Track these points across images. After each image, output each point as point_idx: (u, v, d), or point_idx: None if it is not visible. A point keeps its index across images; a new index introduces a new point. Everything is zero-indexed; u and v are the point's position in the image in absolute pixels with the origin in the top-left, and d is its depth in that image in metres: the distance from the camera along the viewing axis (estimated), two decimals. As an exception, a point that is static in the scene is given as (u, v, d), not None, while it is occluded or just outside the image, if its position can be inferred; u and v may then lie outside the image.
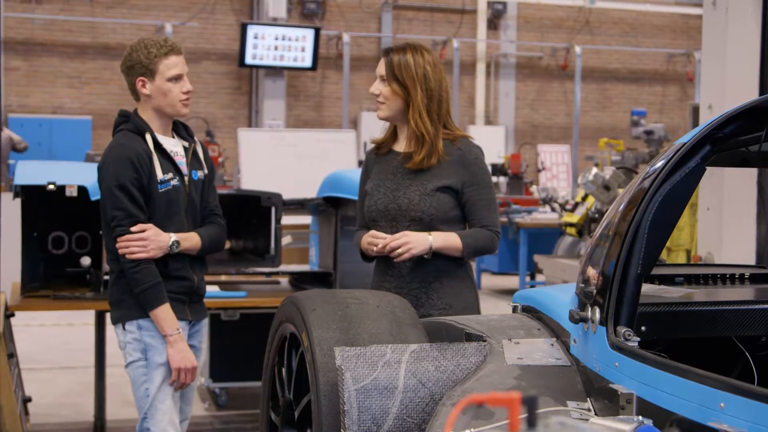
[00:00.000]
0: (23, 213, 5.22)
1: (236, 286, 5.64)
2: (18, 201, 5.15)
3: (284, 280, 5.81)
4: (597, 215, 8.54)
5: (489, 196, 3.56)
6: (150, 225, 3.55)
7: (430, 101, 3.49)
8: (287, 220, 5.26)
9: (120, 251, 3.54)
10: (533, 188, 13.54)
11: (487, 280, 13.15)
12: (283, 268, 5.48)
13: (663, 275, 3.10)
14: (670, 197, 2.45)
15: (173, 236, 3.61)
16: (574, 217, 9.06)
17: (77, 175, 5.11)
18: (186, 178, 3.68)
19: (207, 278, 5.74)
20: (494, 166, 13.98)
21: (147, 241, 3.53)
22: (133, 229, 3.53)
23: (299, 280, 5.62)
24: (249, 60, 14.48)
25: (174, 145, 3.70)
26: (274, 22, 14.58)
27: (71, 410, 6.35)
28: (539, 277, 11.53)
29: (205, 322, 3.93)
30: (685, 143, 2.47)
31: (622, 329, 2.38)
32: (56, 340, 8.56)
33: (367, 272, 5.72)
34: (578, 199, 9.25)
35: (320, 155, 11.30)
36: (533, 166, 15.62)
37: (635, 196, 2.49)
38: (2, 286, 4.85)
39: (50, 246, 5.34)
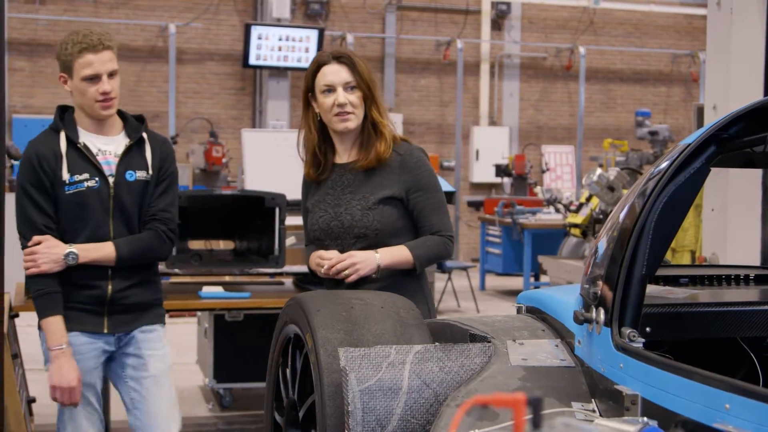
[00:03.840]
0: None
1: (240, 286, 5.64)
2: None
3: (288, 281, 5.82)
4: (601, 216, 8.53)
5: (437, 199, 3.40)
6: (46, 237, 3.36)
7: (383, 102, 3.46)
8: (291, 220, 5.26)
9: (24, 262, 3.40)
10: (537, 189, 13.53)
11: (491, 281, 13.15)
12: (287, 268, 5.48)
13: (668, 276, 3.10)
14: (675, 198, 2.44)
15: (70, 248, 3.37)
16: (579, 218, 9.06)
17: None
18: (111, 179, 3.44)
19: (211, 279, 5.78)
20: (498, 166, 13.96)
21: (37, 254, 3.34)
22: (30, 243, 3.37)
23: (303, 281, 5.62)
24: (253, 61, 14.49)
25: (106, 144, 3.49)
26: (278, 23, 14.59)
27: (75, 411, 6.35)
28: (543, 278, 11.53)
29: (153, 330, 3.62)
30: (690, 144, 2.46)
31: (626, 330, 2.37)
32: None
33: (371, 273, 5.73)
34: (582, 200, 9.25)
35: (324, 156, 11.29)
36: (537, 166, 15.60)
37: (640, 197, 2.49)
38: (6, 287, 4.83)
39: (54, 246, 5.34)
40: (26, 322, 6.59)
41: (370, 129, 3.38)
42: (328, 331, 2.63)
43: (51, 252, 3.34)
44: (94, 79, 3.38)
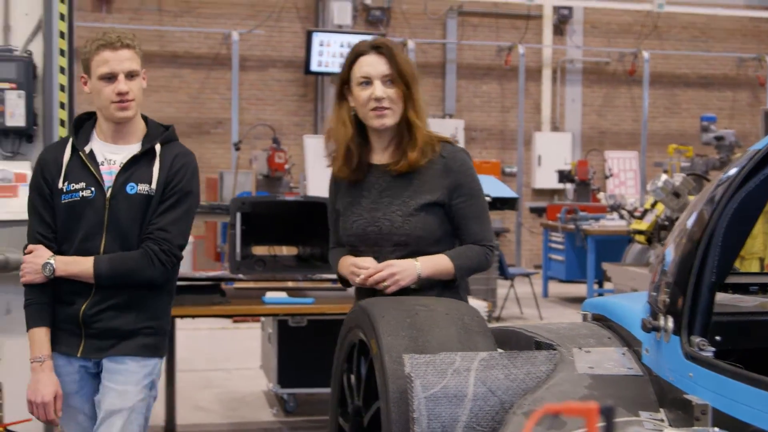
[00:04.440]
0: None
1: (303, 292, 5.67)
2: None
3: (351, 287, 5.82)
4: (666, 222, 8.43)
5: (480, 207, 3.20)
6: (37, 246, 3.19)
7: (422, 102, 3.19)
8: (354, 226, 5.26)
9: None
10: (601, 195, 13.40)
11: (554, 288, 13.05)
12: (349, 274, 5.47)
13: (737, 284, 3.05)
14: (745, 205, 2.40)
15: (49, 258, 3.17)
16: (643, 225, 8.95)
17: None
18: (108, 191, 3.18)
19: (274, 284, 5.81)
20: (561, 172, 13.87)
21: (24, 263, 3.19)
22: (25, 252, 3.24)
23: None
24: (314, 67, 14.57)
25: (114, 152, 3.24)
26: (339, 30, 14.65)
27: (141, 414, 6.43)
28: (607, 285, 11.41)
29: (121, 361, 3.22)
30: (760, 150, 2.42)
31: (696, 339, 2.34)
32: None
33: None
34: (647, 206, 9.14)
35: (386, 162, 11.32)
36: (600, 172, 15.45)
37: (708, 204, 2.45)
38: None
39: (121, 252, 5.42)
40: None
41: (404, 130, 3.15)
42: (393, 337, 2.63)
43: (33, 262, 3.17)
44: (111, 78, 3.14)
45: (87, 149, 3.23)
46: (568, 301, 12.36)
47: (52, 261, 3.15)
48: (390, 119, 3.13)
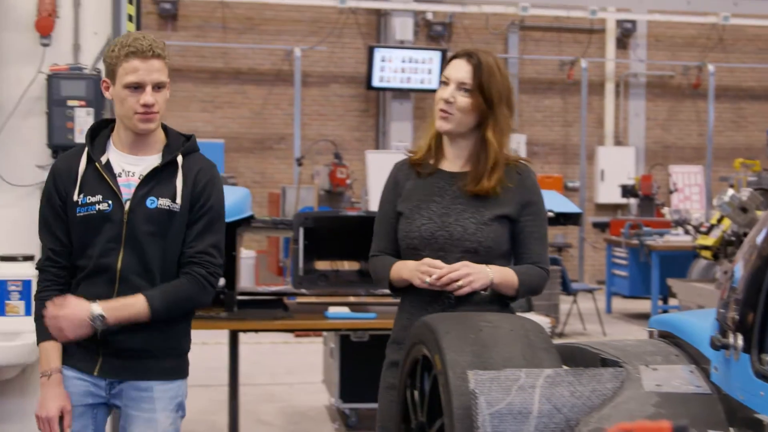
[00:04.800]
0: (161, 234, 5.36)
1: (366, 307, 5.68)
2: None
3: (413, 302, 5.81)
4: (733, 238, 8.29)
5: (544, 229, 3.17)
6: (67, 301, 2.96)
7: (510, 120, 3.11)
8: (416, 241, 5.26)
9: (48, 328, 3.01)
10: (665, 210, 13.23)
11: (618, 304, 12.90)
12: (412, 289, 5.47)
13: (808, 301, 2.98)
14: (818, 220, 2.36)
15: (95, 308, 2.96)
16: (709, 240, 8.82)
17: (212, 197, 5.22)
18: (127, 204, 3.02)
19: (337, 299, 5.83)
20: (624, 187, 13.73)
21: (61, 320, 2.95)
22: (48, 305, 2.97)
23: (428, 302, 5.60)
24: (376, 83, 14.62)
25: (133, 164, 3.08)
26: (401, 45, 14.69)
27: (206, 427, 6.49)
28: (672, 301, 11.25)
29: (148, 388, 3.09)
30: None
31: (767, 357, 2.30)
32: (191, 358, 8.76)
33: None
34: (713, 221, 9.01)
35: (447, 177, 11.31)
36: (665, 187, 15.27)
37: (780, 219, 2.41)
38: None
39: (186, 266, 5.47)
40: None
41: (480, 147, 3.09)
42: (457, 353, 2.62)
43: (75, 317, 2.94)
44: (138, 88, 2.97)
45: (103, 160, 3.06)
46: (631, 318, 12.21)
47: (99, 311, 2.95)
48: (447, 125, 3.08)
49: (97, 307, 2.95)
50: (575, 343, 2.98)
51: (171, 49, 14.71)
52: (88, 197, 3.02)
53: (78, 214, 3.03)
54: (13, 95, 4.29)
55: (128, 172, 3.06)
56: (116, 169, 3.06)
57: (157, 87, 3.00)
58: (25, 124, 4.44)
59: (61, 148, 4.27)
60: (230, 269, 5.44)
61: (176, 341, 3.16)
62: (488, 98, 3.05)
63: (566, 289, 10.56)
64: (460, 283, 2.96)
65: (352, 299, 5.91)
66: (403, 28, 14.74)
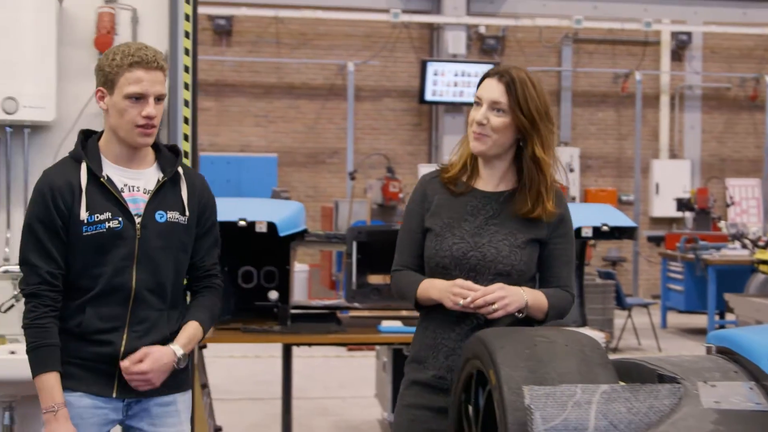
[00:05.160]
0: (216, 248, 5.41)
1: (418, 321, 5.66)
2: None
3: (466, 316, 5.79)
4: (792, 252, 8.16)
5: (571, 252, 3.11)
6: (150, 354, 2.90)
7: (554, 135, 3.04)
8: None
9: (132, 383, 2.92)
10: (722, 224, 13.07)
11: (673, 319, 12.75)
12: (465, 304, 5.45)
13: None
14: None
15: (179, 350, 2.97)
16: None
17: (267, 211, 5.27)
18: (138, 220, 2.94)
19: (389, 313, 5.82)
20: (680, 201, 13.59)
21: (149, 375, 2.91)
22: (128, 362, 2.89)
23: (481, 317, 5.58)
24: (429, 96, 14.64)
25: (133, 178, 2.99)
26: (454, 59, 14.70)
27: (258, 440, 6.52)
28: (729, 316, 11.10)
29: (171, 402, 3.06)
30: None
31: (829, 374, 2.25)
32: (244, 371, 8.82)
33: (550, 309, 5.65)
34: (771, 235, 8.87)
35: (500, 190, 11.26)
36: (721, 200, 15.08)
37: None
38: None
39: (240, 280, 5.52)
40: (214, 353, 6.86)
41: (531, 166, 3.01)
42: (512, 368, 2.61)
43: (164, 367, 2.93)
44: (140, 99, 2.89)
45: (105, 175, 2.95)
46: (688, 333, 12.06)
47: (182, 352, 2.98)
48: (483, 146, 3.01)
49: (179, 349, 2.98)
50: (631, 359, 2.94)
51: (225, 64, 14.94)
52: (96, 215, 2.90)
53: (84, 233, 2.89)
54: (72, 112, 4.35)
55: (132, 187, 2.97)
56: (118, 184, 2.95)
57: (158, 99, 2.93)
58: (84, 140, 4.50)
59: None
60: (284, 283, 5.47)
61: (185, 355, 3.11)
62: (528, 115, 2.97)
63: (621, 303, 10.46)
64: (495, 306, 2.90)
65: (404, 313, 5.90)
66: (455, 41, 14.75)
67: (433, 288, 3.00)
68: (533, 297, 2.98)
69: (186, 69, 4.46)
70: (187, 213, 3.02)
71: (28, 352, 2.90)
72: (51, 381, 2.87)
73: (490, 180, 3.09)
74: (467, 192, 3.08)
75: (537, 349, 2.69)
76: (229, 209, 5.33)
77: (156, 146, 3.06)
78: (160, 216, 2.97)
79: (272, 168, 14.77)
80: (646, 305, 11.13)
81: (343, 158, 14.75)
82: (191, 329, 3.03)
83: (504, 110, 2.98)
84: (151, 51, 2.93)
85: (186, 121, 4.47)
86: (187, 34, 4.46)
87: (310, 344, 5.42)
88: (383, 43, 15.15)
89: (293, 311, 5.34)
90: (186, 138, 4.47)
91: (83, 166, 2.94)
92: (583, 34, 15.63)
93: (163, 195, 2.99)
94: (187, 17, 4.46)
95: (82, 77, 4.35)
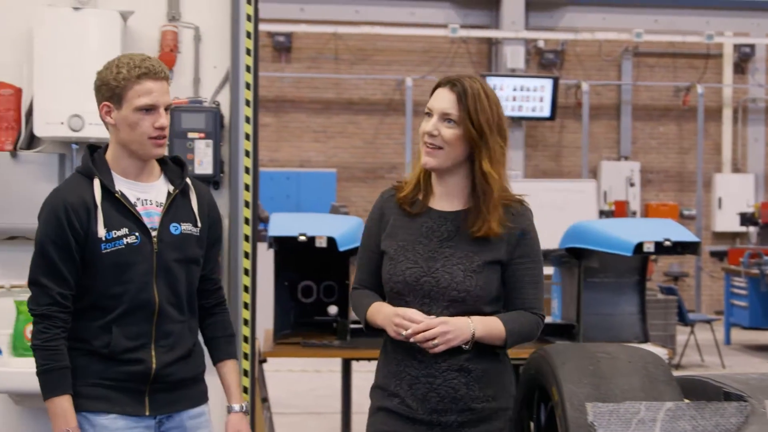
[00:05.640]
0: (276, 263, 5.46)
1: (478, 336, 5.64)
2: (271, 251, 5.40)
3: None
4: None
5: (537, 271, 2.89)
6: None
7: (505, 150, 2.86)
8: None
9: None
10: (787, 238, 12.85)
11: (737, 335, 12.54)
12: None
13: None
14: None
15: (239, 407, 3.07)
16: (835, 270, 8.53)
17: (326, 226, 5.31)
18: (154, 233, 2.90)
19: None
20: (743, 215, 13.39)
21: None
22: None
23: (542, 332, 5.55)
24: (487, 111, 14.62)
25: (144, 191, 2.94)
26: (512, 73, 14.67)
27: (318, 455, 6.53)
28: (795, 333, 10.90)
29: (201, 413, 3.04)
30: None
31: None
32: (304, 385, 8.85)
33: (612, 325, 5.60)
34: (838, 250, 8.71)
35: (560, 205, 11.21)
36: (786, 214, 14.83)
37: None
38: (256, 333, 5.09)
39: (300, 295, 5.56)
40: (274, 367, 6.89)
41: (481, 180, 2.83)
42: (575, 384, 2.59)
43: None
44: (151, 110, 2.84)
45: (118, 190, 2.90)
46: (752, 349, 11.85)
47: (243, 404, 3.09)
48: (433, 160, 2.83)
49: (242, 405, 3.11)
50: (695, 376, 2.90)
51: (285, 80, 15.09)
52: (113, 232, 2.85)
53: (103, 251, 2.84)
54: (136, 128, 4.43)
55: (143, 200, 2.93)
56: (131, 199, 2.91)
57: (166, 109, 2.89)
58: (147, 156, 4.57)
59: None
60: (343, 298, 5.49)
61: (204, 365, 3.10)
62: (478, 127, 2.80)
63: (683, 319, 10.33)
64: (436, 341, 2.73)
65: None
66: (514, 56, 14.72)
67: (379, 313, 2.87)
68: (484, 326, 2.77)
69: (247, 86, 4.51)
70: (199, 224, 2.99)
71: (38, 374, 2.84)
72: (64, 404, 2.81)
73: (445, 198, 2.91)
74: (422, 212, 2.90)
75: (600, 366, 2.67)
76: (289, 224, 5.37)
77: (161, 159, 3.01)
78: (175, 228, 2.93)
79: (331, 183, 14.84)
80: (709, 321, 10.97)
81: (401, 173, 14.76)
82: (236, 375, 3.10)
83: (455, 121, 2.81)
84: (155, 61, 2.88)
85: (247, 137, 4.52)
86: (248, 52, 4.51)
87: (369, 359, 5.42)
88: (441, 58, 15.16)
89: (353, 326, 5.35)
90: (247, 154, 4.52)
91: (96, 182, 2.87)
92: (643, 47, 15.49)
93: (175, 207, 2.96)
94: (248, 35, 4.51)
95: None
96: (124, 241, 2.85)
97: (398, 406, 2.85)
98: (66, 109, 4.25)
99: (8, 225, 4.27)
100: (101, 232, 2.82)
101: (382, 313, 2.85)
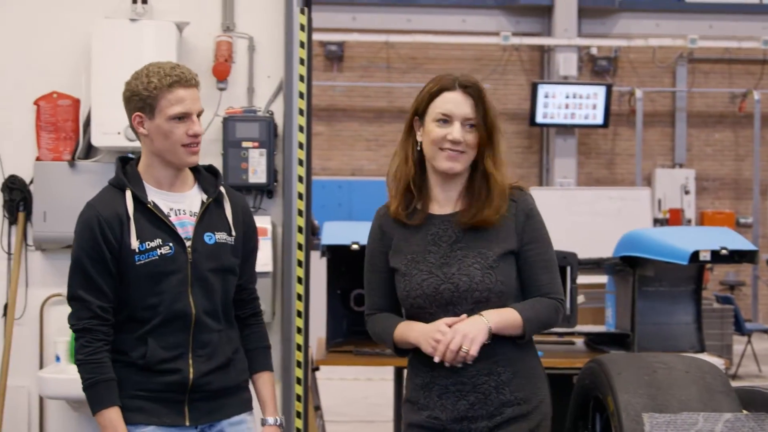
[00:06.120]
0: (329, 271, 5.47)
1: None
2: (324, 260, 5.42)
3: (579, 341, 5.72)
4: None
5: (549, 255, 2.84)
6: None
7: (503, 149, 2.87)
8: (582, 279, 5.19)
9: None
10: None
11: (795, 345, 12.35)
12: (579, 328, 5.39)
13: None
14: None
15: (272, 418, 3.03)
16: None
17: (379, 235, 5.30)
18: (188, 243, 2.87)
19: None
20: (801, 223, 13.18)
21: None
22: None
23: (595, 341, 5.51)
24: (540, 119, 14.54)
25: (177, 201, 2.92)
26: (565, 81, 14.59)
27: (370, 463, 6.53)
28: None
29: (242, 421, 3.00)
30: None
31: None
32: (356, 394, 8.86)
33: (667, 335, 5.53)
34: None
35: (614, 213, 11.11)
36: None
37: None
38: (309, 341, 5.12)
39: (352, 303, 5.56)
40: (326, 376, 6.92)
41: (480, 181, 2.82)
42: (631, 395, 2.57)
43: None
44: (184, 118, 2.81)
45: (151, 201, 2.88)
46: (811, 360, 11.64)
47: (278, 417, 3.04)
48: (461, 164, 2.79)
49: (277, 419, 3.06)
50: (755, 387, 2.86)
51: (337, 89, 15.14)
52: (146, 243, 2.83)
53: (137, 263, 2.82)
54: (191, 138, 4.48)
55: (176, 210, 2.90)
56: (164, 209, 2.88)
57: (198, 116, 2.87)
58: (202, 165, 4.62)
59: (236, 188, 4.42)
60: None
61: (246, 373, 3.06)
62: (489, 129, 2.83)
63: (740, 329, 10.18)
64: (464, 348, 2.65)
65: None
66: (567, 63, 14.63)
67: (411, 331, 2.79)
68: (498, 317, 2.71)
69: (301, 95, 4.55)
70: (234, 233, 2.95)
71: (84, 389, 2.83)
72: (113, 416, 2.80)
73: (447, 202, 2.86)
74: (424, 221, 2.84)
75: (656, 376, 2.64)
76: (341, 233, 5.38)
77: (194, 168, 2.98)
78: (209, 238, 2.90)
79: (382, 191, 14.71)
80: (766, 331, 10.81)
81: (453, 181, 14.75)
82: (271, 388, 3.06)
83: (476, 126, 2.81)
84: (185, 68, 2.85)
85: (301, 146, 4.55)
86: (301, 61, 4.55)
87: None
88: (494, 66, 15.13)
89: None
90: (300, 163, 4.55)
91: (128, 194, 2.86)
92: (698, 53, 15.32)
93: (209, 216, 2.93)
94: (302, 44, 4.55)
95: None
96: (158, 251, 2.83)
97: (427, 420, 2.80)
98: (122, 119, 4.27)
99: (66, 233, 4.32)
100: (134, 243, 2.81)
101: (414, 330, 2.77)
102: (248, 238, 3.02)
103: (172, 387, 2.85)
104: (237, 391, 2.98)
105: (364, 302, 2.98)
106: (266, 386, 3.06)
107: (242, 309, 3.06)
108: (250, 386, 3.07)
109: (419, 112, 2.87)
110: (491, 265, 2.74)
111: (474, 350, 2.65)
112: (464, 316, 2.71)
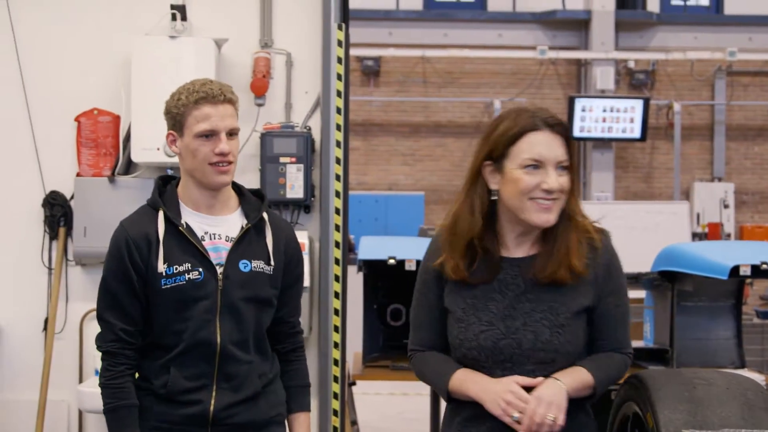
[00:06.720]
0: (365, 286, 5.48)
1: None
2: (361, 275, 5.43)
3: (618, 357, 5.68)
4: None
5: (625, 308, 2.56)
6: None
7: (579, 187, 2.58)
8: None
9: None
10: None
11: (838, 361, 12.17)
12: (617, 344, 5.34)
13: None
14: None
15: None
16: None
17: (416, 249, 5.30)
18: (220, 270, 2.72)
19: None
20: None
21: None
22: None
23: (634, 357, 5.45)
24: (577, 133, 14.49)
25: (214, 225, 2.77)
26: (602, 94, 14.54)
27: (407, 478, 6.51)
28: None
29: None
30: None
31: None
32: (392, 409, 8.84)
33: (707, 350, 5.48)
34: None
35: (652, 227, 11.02)
36: None
37: None
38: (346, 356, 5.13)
39: (389, 318, 5.56)
40: (362, 390, 6.92)
41: (563, 227, 2.50)
42: (671, 411, 2.54)
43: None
44: (211, 136, 2.68)
45: (184, 223, 2.75)
46: None
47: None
48: (555, 215, 2.46)
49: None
50: (797, 404, 2.83)
51: (373, 104, 15.17)
52: (174, 267, 2.70)
53: (163, 287, 2.70)
54: (230, 154, 4.51)
55: (213, 234, 2.75)
56: (198, 232, 2.75)
57: (230, 134, 2.72)
58: (240, 181, 4.61)
59: (273, 203, 4.44)
60: (433, 321, 5.49)
61: (282, 406, 2.90)
62: (575, 169, 2.54)
63: (781, 345, 10.06)
64: (550, 418, 2.38)
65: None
66: (604, 77, 14.58)
67: (473, 384, 2.48)
68: (572, 380, 2.44)
69: (338, 110, 4.57)
70: (273, 262, 2.78)
71: (105, 412, 2.73)
72: None
73: (517, 246, 2.55)
74: (488, 265, 2.52)
75: (696, 392, 2.62)
76: (378, 247, 5.39)
77: (239, 191, 2.86)
78: (244, 265, 2.74)
79: (419, 206, 14.86)
80: (808, 347, 10.66)
81: (489, 196, 14.72)
82: (306, 430, 2.90)
83: (567, 167, 2.50)
84: (216, 85, 2.72)
85: (338, 161, 4.57)
86: (339, 77, 4.57)
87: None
88: (530, 80, 15.10)
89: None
90: (338, 178, 4.56)
91: (160, 215, 2.74)
92: (737, 66, 15.21)
93: (247, 242, 2.77)
94: (339, 60, 4.57)
95: (240, 120, 4.51)
96: (186, 276, 2.70)
97: None
98: (161, 135, 4.33)
99: (106, 249, 4.36)
100: (161, 267, 2.69)
101: (478, 384, 2.47)
102: (291, 268, 2.86)
103: (191, 420, 2.72)
104: (268, 425, 2.82)
105: (409, 335, 2.70)
106: (301, 429, 2.91)
107: (282, 343, 2.91)
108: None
109: (495, 157, 2.52)
110: (562, 323, 2.46)
111: (561, 419, 2.39)
112: (540, 378, 2.44)
